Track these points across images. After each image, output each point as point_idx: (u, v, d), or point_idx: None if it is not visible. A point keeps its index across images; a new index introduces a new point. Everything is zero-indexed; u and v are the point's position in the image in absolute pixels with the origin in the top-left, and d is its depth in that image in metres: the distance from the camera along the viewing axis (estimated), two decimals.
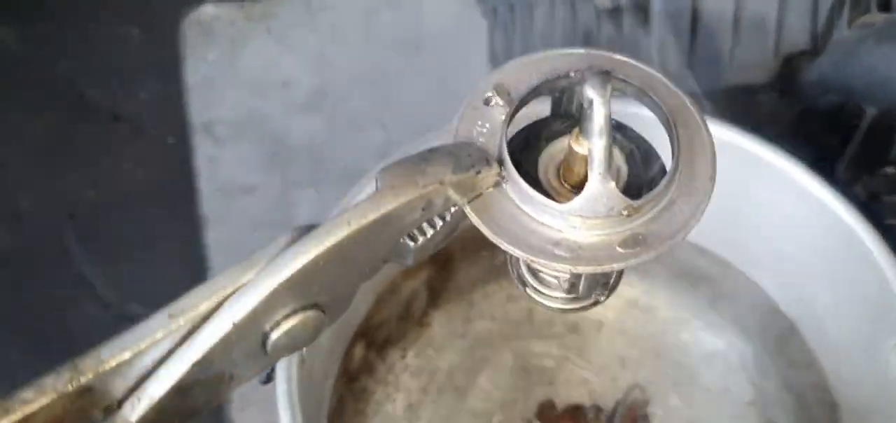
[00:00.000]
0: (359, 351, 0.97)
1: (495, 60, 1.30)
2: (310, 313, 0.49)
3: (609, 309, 1.02)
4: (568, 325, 1.02)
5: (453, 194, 0.50)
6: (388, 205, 0.49)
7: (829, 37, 1.01)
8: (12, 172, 1.46)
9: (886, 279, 0.79)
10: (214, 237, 1.36)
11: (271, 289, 0.45)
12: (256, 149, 1.43)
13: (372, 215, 0.48)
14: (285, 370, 0.74)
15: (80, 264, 1.38)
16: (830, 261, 0.86)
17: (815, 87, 1.03)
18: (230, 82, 1.49)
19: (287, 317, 0.48)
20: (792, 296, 0.95)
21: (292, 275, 0.46)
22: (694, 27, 1.04)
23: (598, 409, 0.97)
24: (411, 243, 0.54)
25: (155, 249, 1.39)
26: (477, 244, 1.01)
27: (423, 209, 0.50)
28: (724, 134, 0.89)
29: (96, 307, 1.35)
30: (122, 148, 1.47)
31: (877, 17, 0.98)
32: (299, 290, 0.47)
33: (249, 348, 0.46)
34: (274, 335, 0.47)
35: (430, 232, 0.53)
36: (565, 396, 0.98)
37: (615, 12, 1.10)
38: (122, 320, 1.28)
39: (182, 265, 1.37)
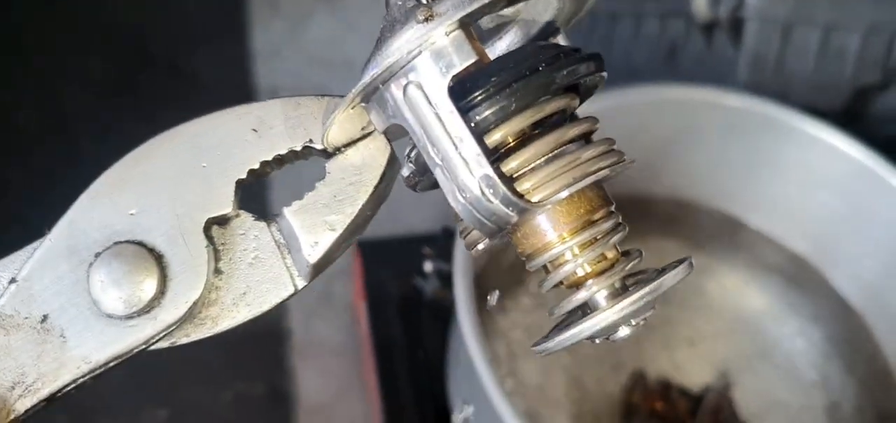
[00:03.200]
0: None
1: None
2: None
3: (691, 288, 1.15)
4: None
5: None
6: None
7: None
8: (71, 110, 1.52)
9: None
10: (277, 197, 1.44)
11: None
12: None
13: None
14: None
15: None
16: None
17: (882, 117, 1.19)
18: (295, 54, 1.58)
19: None
20: (863, 291, 1.11)
21: None
22: (782, 50, 1.18)
23: (683, 391, 1.08)
24: None
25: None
26: None
27: None
28: (833, 139, 1.05)
29: None
30: (183, 101, 1.54)
31: None
32: None
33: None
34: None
35: None
36: (652, 361, 1.10)
37: (708, 27, 1.24)
38: None
39: None
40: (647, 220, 1.18)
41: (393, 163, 0.40)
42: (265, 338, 1.34)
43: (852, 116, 1.21)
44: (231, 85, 1.57)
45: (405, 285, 1.20)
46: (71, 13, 1.62)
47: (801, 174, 1.11)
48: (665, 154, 1.15)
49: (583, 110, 0.41)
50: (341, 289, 1.37)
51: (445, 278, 1.13)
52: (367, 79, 0.36)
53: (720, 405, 1.06)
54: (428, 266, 1.16)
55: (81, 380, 0.38)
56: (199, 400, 1.28)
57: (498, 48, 0.40)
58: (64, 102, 1.54)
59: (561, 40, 0.40)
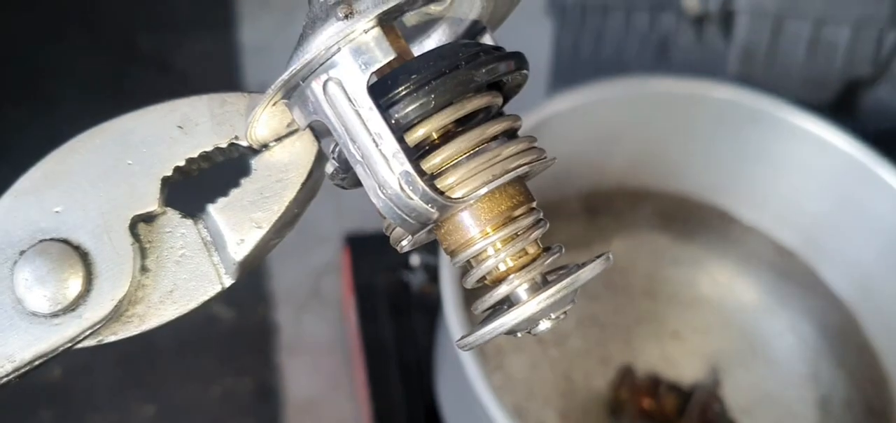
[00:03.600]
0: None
1: (560, 59, 1.42)
2: None
3: (681, 282, 1.15)
4: (643, 292, 1.14)
5: None
6: None
7: (888, 68, 1.17)
8: (60, 106, 1.53)
9: None
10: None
11: None
12: None
13: None
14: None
15: None
16: None
17: (871, 111, 1.19)
18: (284, 49, 1.58)
19: None
20: (853, 285, 1.11)
21: None
22: (772, 42, 1.18)
23: (672, 386, 1.08)
24: None
25: (205, 199, 1.47)
26: (567, 213, 1.15)
27: None
28: (823, 131, 1.05)
29: None
30: (171, 97, 1.55)
31: None
32: None
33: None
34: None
35: None
36: (642, 355, 1.10)
37: (699, 20, 1.24)
38: None
39: None
40: (637, 213, 1.19)
41: (320, 160, 0.41)
42: (254, 334, 1.35)
43: (843, 110, 1.21)
44: (219, 80, 1.58)
45: (394, 281, 1.21)
46: (61, 10, 1.62)
47: (791, 167, 1.11)
48: (655, 148, 1.15)
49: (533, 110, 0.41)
50: (330, 285, 1.37)
51: (432, 272, 1.14)
52: (286, 75, 0.36)
53: (709, 403, 1.06)
54: (415, 260, 1.16)
55: (6, 379, 0.38)
56: (186, 396, 1.29)
57: (425, 47, 0.41)
58: (54, 98, 1.54)
59: (487, 39, 0.40)
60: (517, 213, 0.39)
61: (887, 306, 1.06)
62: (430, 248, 1.08)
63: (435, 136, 0.37)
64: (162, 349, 1.32)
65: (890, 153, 1.17)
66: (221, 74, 1.59)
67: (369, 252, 1.24)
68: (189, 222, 0.41)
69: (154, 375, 1.29)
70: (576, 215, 1.18)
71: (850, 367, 1.10)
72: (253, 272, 1.37)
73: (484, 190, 0.37)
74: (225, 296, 1.27)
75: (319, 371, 1.31)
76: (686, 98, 1.10)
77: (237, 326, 1.35)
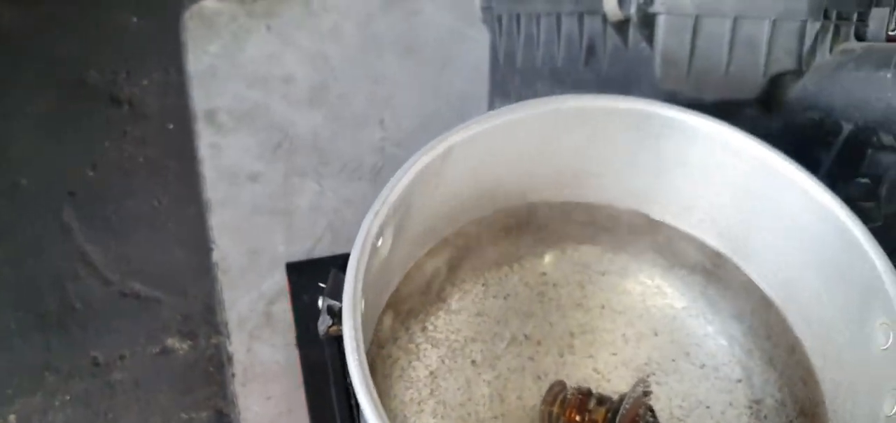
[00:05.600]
0: (387, 321, 1.09)
1: (497, 68, 1.43)
2: None
3: (611, 292, 1.16)
4: (574, 305, 1.15)
5: None
6: None
7: (812, 60, 1.17)
8: (12, 147, 1.55)
9: (875, 266, 0.95)
10: (218, 220, 1.46)
11: None
12: (259, 138, 1.54)
13: None
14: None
15: (80, 241, 1.47)
16: (821, 251, 1.03)
17: (798, 104, 1.19)
18: (232, 74, 1.60)
19: None
20: (778, 284, 1.12)
21: None
22: (693, 43, 1.18)
23: (601, 399, 1.08)
24: None
25: (156, 229, 1.50)
26: (494, 231, 1.16)
27: None
28: (731, 137, 1.06)
29: (98, 283, 1.45)
30: (123, 130, 1.58)
31: (855, 45, 1.16)
32: None
33: None
34: None
35: None
36: (575, 370, 1.10)
37: (622, 25, 1.24)
38: (123, 296, 1.39)
39: (184, 246, 1.47)
40: (566, 227, 1.19)
41: None
42: (208, 365, 1.37)
43: (769, 104, 1.21)
44: (168, 110, 1.60)
45: (332, 306, 1.21)
46: (11, 49, 1.64)
47: (709, 173, 1.11)
48: (578, 161, 1.16)
49: None
50: (282, 311, 1.39)
51: (336, 314, 1.10)
52: None
53: (637, 413, 1.06)
54: (319, 302, 1.10)
55: None
56: None
57: None
58: (7, 140, 1.57)
59: None
60: None
61: (809, 302, 1.07)
62: (333, 291, 1.05)
63: None
64: (117, 385, 1.34)
65: (817, 143, 1.18)
66: (170, 101, 1.61)
67: (308, 278, 1.25)
68: None
69: (110, 412, 1.31)
70: (506, 230, 1.19)
71: (781, 367, 1.10)
72: (206, 302, 1.39)
73: None
74: (179, 328, 1.29)
75: (273, 398, 1.32)
76: (601, 112, 1.10)
77: (191, 358, 1.37)
